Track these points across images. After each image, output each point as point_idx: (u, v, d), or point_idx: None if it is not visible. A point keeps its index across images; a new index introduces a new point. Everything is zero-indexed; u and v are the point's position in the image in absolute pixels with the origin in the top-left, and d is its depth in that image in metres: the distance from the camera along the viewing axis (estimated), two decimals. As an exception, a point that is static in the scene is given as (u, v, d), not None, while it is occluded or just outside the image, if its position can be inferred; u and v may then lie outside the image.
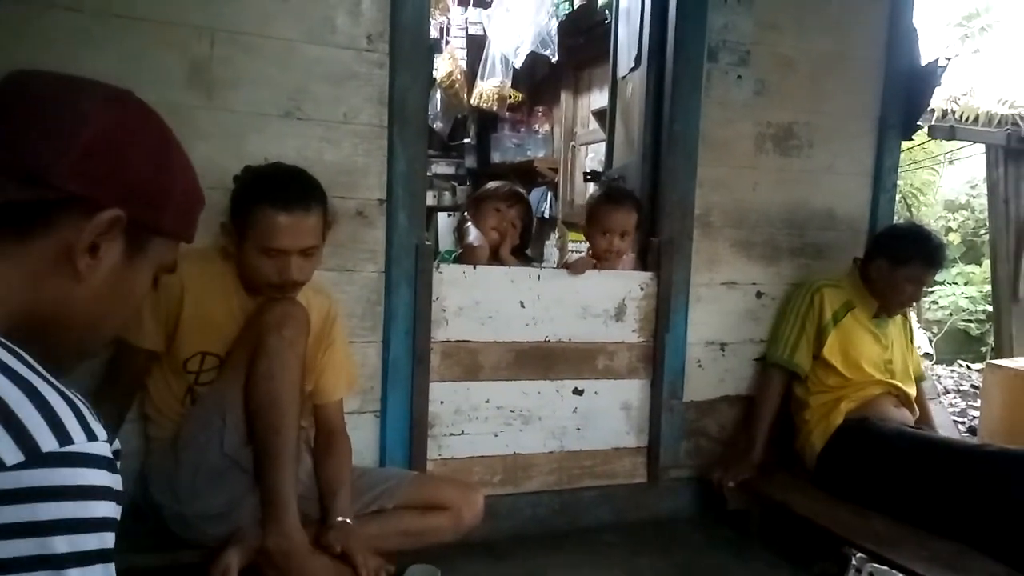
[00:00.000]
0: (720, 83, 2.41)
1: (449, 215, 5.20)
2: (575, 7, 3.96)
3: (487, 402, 2.18)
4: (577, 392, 2.29)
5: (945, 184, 7.68)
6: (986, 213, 5.12)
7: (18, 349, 0.59)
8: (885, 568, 1.73)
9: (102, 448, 0.58)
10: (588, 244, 2.43)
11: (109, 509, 0.57)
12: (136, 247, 0.73)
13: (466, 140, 5.49)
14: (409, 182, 2.02)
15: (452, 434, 2.15)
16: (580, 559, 2.11)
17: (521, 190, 2.64)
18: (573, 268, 2.29)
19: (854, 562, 1.77)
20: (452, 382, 2.13)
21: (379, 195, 2.01)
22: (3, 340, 0.59)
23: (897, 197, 6.52)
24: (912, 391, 2.36)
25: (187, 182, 0.79)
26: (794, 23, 2.48)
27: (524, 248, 2.58)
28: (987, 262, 5.34)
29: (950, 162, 6.57)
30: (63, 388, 0.59)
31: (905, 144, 2.84)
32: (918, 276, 2.27)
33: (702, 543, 2.27)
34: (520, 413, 2.23)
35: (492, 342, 2.17)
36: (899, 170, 2.81)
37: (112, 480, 0.58)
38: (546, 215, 5.02)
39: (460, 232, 2.47)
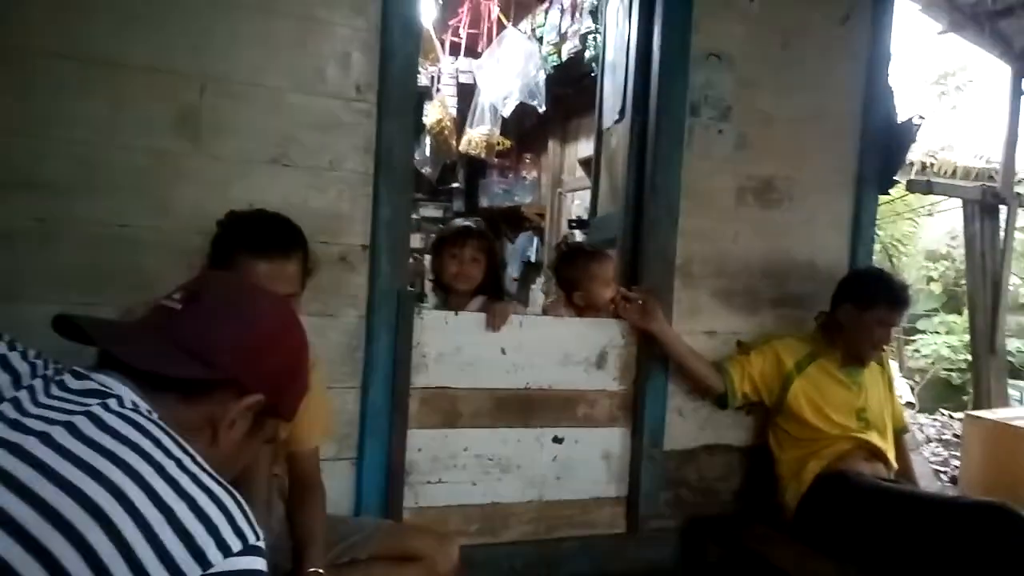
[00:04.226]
0: (702, 137, 2.46)
1: (436, 258, 5.22)
2: (563, 60, 4.06)
3: (466, 450, 2.17)
4: (557, 440, 2.29)
5: (926, 235, 7.82)
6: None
7: (183, 457, 0.71)
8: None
9: (254, 560, 0.69)
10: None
11: None
12: (258, 424, 0.89)
13: (455, 185, 5.56)
14: (393, 229, 2.04)
15: (429, 482, 2.13)
16: (558, 612, 2.07)
17: (471, 223, 2.46)
18: (552, 309, 2.32)
19: (833, 618, 1.75)
20: (431, 429, 2.12)
21: (363, 241, 2.03)
22: (175, 454, 0.70)
23: (878, 248, 6.63)
24: (888, 443, 2.34)
25: (307, 376, 0.96)
26: (773, 80, 2.54)
27: (495, 283, 2.40)
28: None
29: (929, 214, 6.70)
30: (212, 488, 0.70)
31: (887, 196, 2.90)
32: (885, 318, 2.28)
33: (682, 596, 2.25)
34: (499, 461, 2.21)
35: (472, 389, 2.17)
36: (880, 221, 2.87)
37: None
38: (532, 260, 5.07)
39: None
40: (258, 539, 0.70)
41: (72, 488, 0.61)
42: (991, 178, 5.67)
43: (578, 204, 4.59)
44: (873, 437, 2.29)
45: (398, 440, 2.05)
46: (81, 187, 1.76)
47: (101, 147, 1.77)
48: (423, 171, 5.09)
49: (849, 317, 2.31)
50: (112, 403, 0.72)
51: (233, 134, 1.89)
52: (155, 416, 0.74)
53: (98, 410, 0.70)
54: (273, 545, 1.52)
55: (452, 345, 2.14)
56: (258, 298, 0.92)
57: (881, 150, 2.71)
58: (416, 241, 5.46)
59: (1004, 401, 4.59)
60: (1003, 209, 4.55)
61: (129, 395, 0.75)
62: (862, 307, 2.28)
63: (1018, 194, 4.72)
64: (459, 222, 2.52)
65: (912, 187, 4.44)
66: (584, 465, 2.33)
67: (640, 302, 2.27)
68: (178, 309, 0.84)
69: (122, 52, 1.78)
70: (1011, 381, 5.47)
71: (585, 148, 4.41)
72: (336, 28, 1.97)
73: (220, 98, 1.87)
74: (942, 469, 4.44)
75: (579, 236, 3.90)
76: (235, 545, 0.67)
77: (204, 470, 0.71)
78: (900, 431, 2.53)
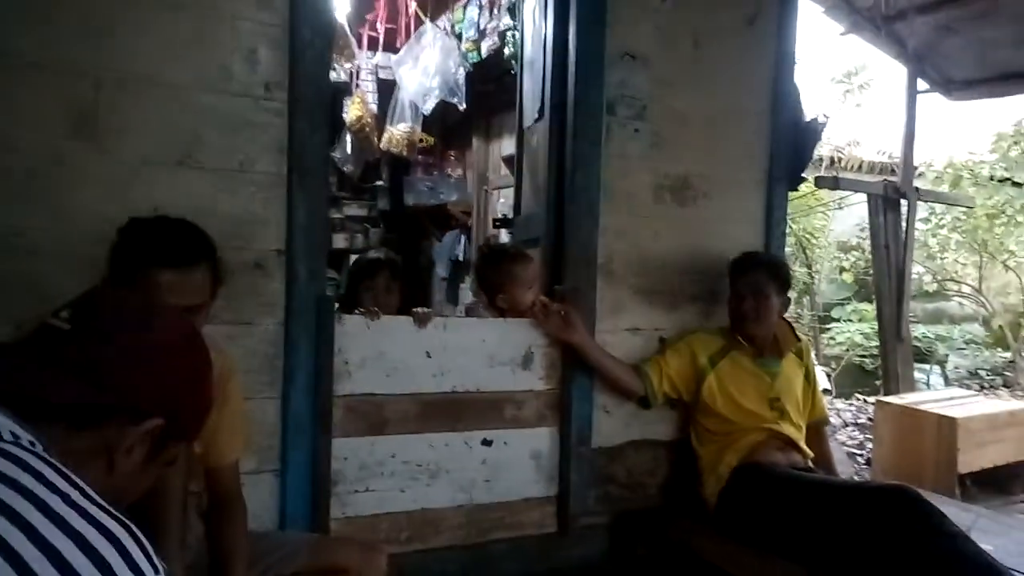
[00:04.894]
0: (619, 136, 2.48)
1: (361, 258, 5.13)
2: (483, 57, 4.04)
3: (393, 457, 2.13)
4: (486, 443, 2.27)
5: (837, 227, 8.17)
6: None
7: (70, 491, 0.65)
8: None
9: None
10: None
11: None
12: (158, 449, 0.83)
13: (379, 183, 5.47)
14: (310, 232, 1.98)
15: (357, 491, 2.08)
16: (489, 615, 2.06)
17: (381, 255, 2.64)
18: (473, 311, 2.30)
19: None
20: (356, 437, 2.07)
21: (278, 245, 1.96)
22: (61, 488, 0.65)
23: (793, 240, 6.89)
24: (801, 433, 2.41)
25: (210, 395, 0.91)
26: (686, 80, 2.59)
27: (419, 299, 2.53)
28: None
29: (840, 207, 7.00)
30: (104, 523, 0.65)
31: (799, 191, 3.00)
32: (739, 288, 2.41)
33: (612, 590, 2.27)
34: (427, 467, 2.18)
35: (398, 394, 2.13)
36: (795, 215, 2.97)
37: None
38: (460, 259, 5.04)
39: None
40: (157, 573, 0.66)
41: None
42: (894, 172, 5.98)
43: (504, 202, 4.59)
44: (787, 427, 2.36)
45: (323, 450, 1.99)
46: (-36, 193, 1.63)
47: (-15, 149, 1.65)
48: (345, 169, 5.00)
49: (727, 300, 2.45)
50: None
51: (134, 134, 1.79)
52: (38, 448, 0.69)
53: None
54: (192, 564, 1.46)
55: (375, 350, 2.10)
56: (154, 315, 0.87)
57: (789, 148, 2.79)
58: (340, 241, 5.35)
59: (911, 385, 4.84)
60: (904, 203, 4.80)
61: (8, 426, 0.69)
62: (729, 285, 2.45)
63: (917, 188, 4.99)
64: (371, 254, 2.59)
65: (820, 183, 4.63)
66: (514, 466, 2.32)
67: (561, 313, 2.28)
68: (65, 329, 0.78)
69: (6, 45, 1.66)
70: (917, 365, 5.79)
71: (509, 146, 4.41)
72: (240, 22, 1.90)
73: (118, 95, 1.77)
74: (858, 452, 4.66)
75: (504, 235, 3.90)
76: None
77: (95, 503, 0.66)
78: (820, 422, 2.61)
